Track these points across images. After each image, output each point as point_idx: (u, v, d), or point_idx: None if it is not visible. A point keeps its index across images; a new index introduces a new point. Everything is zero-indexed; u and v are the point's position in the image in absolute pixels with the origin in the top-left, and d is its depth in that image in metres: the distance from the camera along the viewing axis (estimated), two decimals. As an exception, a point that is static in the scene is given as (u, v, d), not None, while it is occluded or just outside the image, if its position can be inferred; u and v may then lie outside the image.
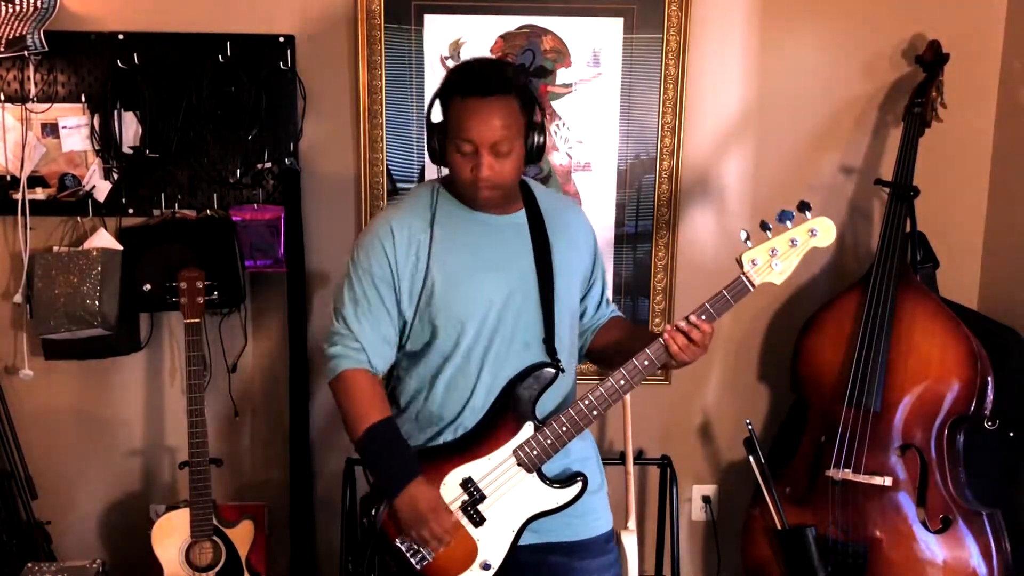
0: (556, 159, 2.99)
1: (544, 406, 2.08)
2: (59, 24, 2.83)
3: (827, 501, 2.70)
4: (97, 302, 2.83)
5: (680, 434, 3.19)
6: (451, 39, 2.90)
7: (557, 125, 2.96)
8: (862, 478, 2.65)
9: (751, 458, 2.75)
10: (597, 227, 2.98)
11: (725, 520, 3.20)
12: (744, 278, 1.98)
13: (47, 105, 2.88)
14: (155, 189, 2.94)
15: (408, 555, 2.05)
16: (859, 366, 2.67)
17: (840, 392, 2.70)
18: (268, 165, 2.93)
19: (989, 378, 2.62)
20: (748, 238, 1.98)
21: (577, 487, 2.08)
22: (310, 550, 3.07)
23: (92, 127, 2.90)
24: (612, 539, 2.23)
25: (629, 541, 2.81)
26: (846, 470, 2.67)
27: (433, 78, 2.91)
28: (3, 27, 2.78)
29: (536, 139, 2.03)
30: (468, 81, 1.96)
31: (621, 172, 3.00)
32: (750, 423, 2.76)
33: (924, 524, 2.63)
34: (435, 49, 2.90)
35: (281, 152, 2.94)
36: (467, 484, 2.05)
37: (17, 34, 2.79)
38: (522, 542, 2.08)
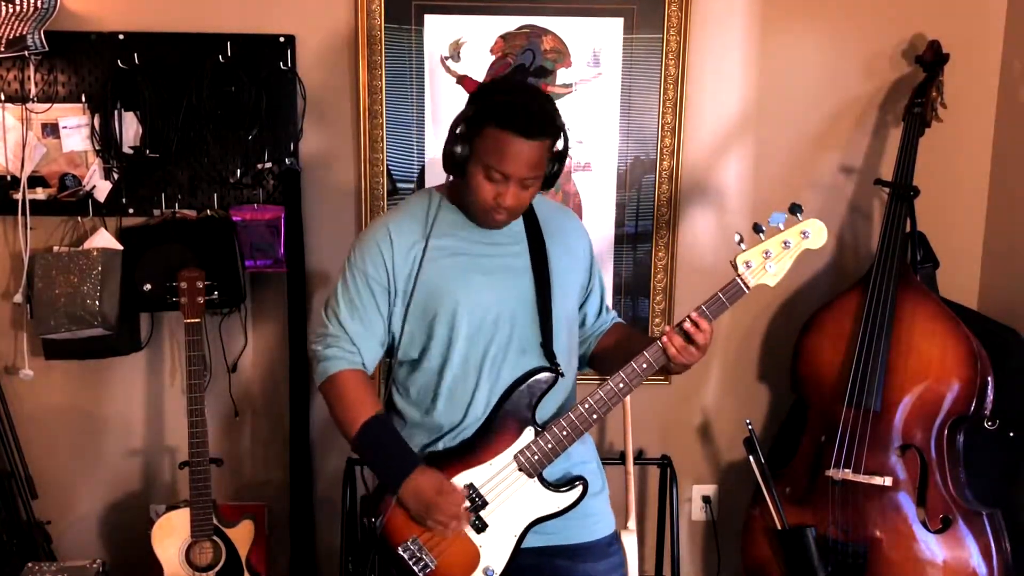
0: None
1: (544, 411, 2.08)
2: (59, 24, 2.83)
3: (827, 501, 2.70)
4: (97, 302, 2.83)
5: (680, 434, 3.19)
6: (451, 39, 2.90)
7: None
8: (862, 478, 2.65)
9: (751, 458, 2.75)
10: (597, 228, 3.01)
11: (725, 520, 3.20)
12: (739, 280, 1.99)
13: (47, 105, 2.89)
14: (155, 189, 2.94)
15: (411, 563, 2.05)
16: (859, 366, 2.67)
17: (840, 392, 2.70)
18: (268, 165, 2.93)
19: (989, 378, 2.62)
20: (741, 240, 2.01)
21: (578, 491, 2.09)
22: (310, 550, 3.07)
23: (92, 127, 2.90)
24: (616, 542, 2.23)
25: (629, 541, 2.81)
26: (846, 470, 2.67)
27: (433, 78, 2.91)
28: (3, 27, 2.78)
29: (556, 167, 2.06)
30: (516, 119, 1.93)
31: (621, 172, 3.00)
32: (750, 423, 2.76)
33: (924, 524, 2.63)
34: (435, 49, 2.91)
35: (281, 152, 2.94)
36: (469, 490, 2.05)
37: (17, 34, 2.79)
38: (525, 544, 2.08)
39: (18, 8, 2.74)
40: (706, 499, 3.23)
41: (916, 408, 2.64)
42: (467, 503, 2.04)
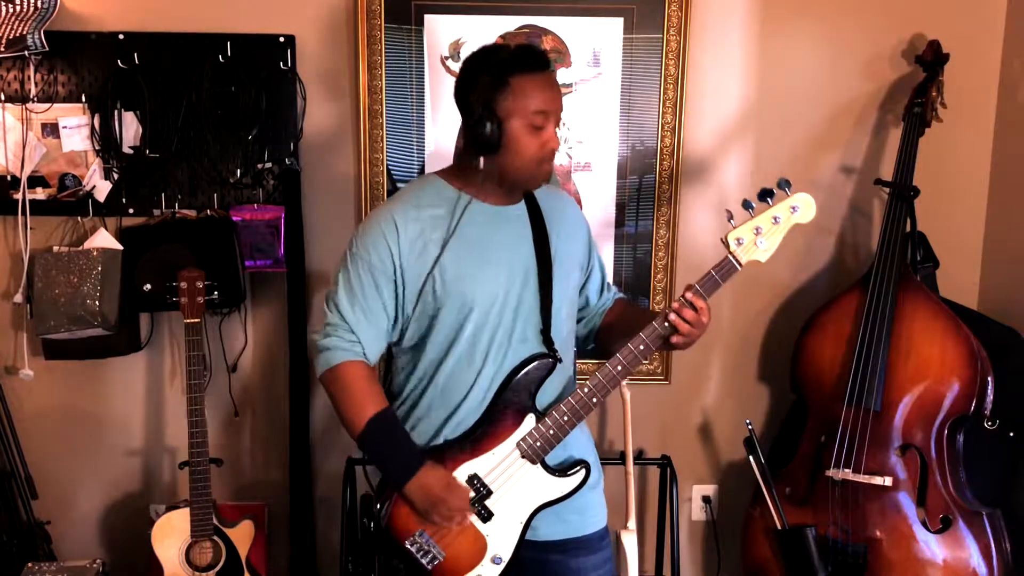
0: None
1: (544, 397, 2.09)
2: (59, 24, 2.83)
3: (827, 501, 2.70)
4: (97, 302, 2.83)
5: (680, 434, 3.19)
6: (451, 39, 2.90)
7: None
8: (862, 478, 2.65)
9: (751, 458, 2.75)
10: (597, 227, 3.01)
11: (725, 520, 3.20)
12: (731, 257, 2.01)
13: (47, 105, 2.89)
14: (155, 189, 2.94)
15: (419, 556, 2.05)
16: (859, 366, 2.67)
17: (840, 392, 2.70)
18: (268, 165, 2.93)
19: (989, 378, 2.62)
20: (731, 218, 2.03)
21: (581, 474, 2.10)
22: (310, 550, 3.07)
23: (92, 127, 2.90)
24: (607, 536, 2.24)
25: (629, 541, 2.81)
26: (846, 470, 2.67)
27: (433, 78, 2.91)
28: (3, 27, 2.78)
29: None
30: (531, 58, 1.99)
31: (621, 172, 3.00)
32: (750, 423, 2.76)
33: (924, 524, 2.63)
34: (435, 49, 2.91)
35: (281, 152, 2.94)
36: (473, 480, 2.05)
37: (17, 34, 2.79)
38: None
39: (18, 8, 2.75)
40: (706, 499, 3.23)
41: (916, 408, 2.64)
42: (472, 493, 2.05)
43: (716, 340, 3.11)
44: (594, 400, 2.03)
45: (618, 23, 2.90)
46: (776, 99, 2.98)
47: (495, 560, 2.07)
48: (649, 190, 3.00)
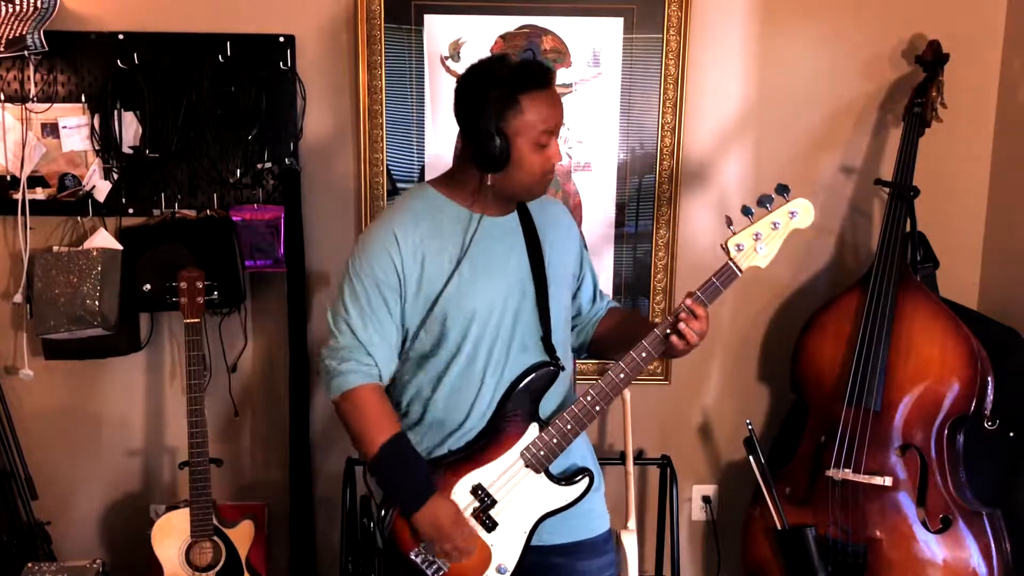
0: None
1: (546, 405, 2.09)
2: (59, 24, 2.83)
3: (827, 501, 2.70)
4: (97, 302, 2.83)
5: (680, 434, 3.19)
6: (451, 39, 2.90)
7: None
8: (862, 478, 2.65)
9: (751, 458, 2.75)
10: (597, 228, 3.01)
11: (725, 520, 3.20)
12: (731, 263, 2.01)
13: (47, 105, 2.89)
14: (155, 189, 2.94)
15: (423, 567, 2.05)
16: (859, 366, 2.67)
17: (840, 392, 2.70)
18: (268, 165, 2.93)
19: (989, 378, 2.62)
20: (731, 223, 2.02)
21: (585, 483, 2.10)
22: (310, 550, 3.07)
23: (92, 127, 2.90)
24: (611, 539, 2.24)
25: (629, 541, 2.81)
26: (846, 470, 2.67)
27: (433, 78, 2.91)
28: (3, 27, 2.78)
29: None
30: (536, 75, 1.98)
31: (621, 172, 3.00)
32: (750, 423, 2.76)
33: (924, 524, 2.63)
34: (435, 49, 2.90)
35: (281, 152, 2.94)
36: (477, 491, 2.05)
37: (17, 34, 2.79)
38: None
39: (18, 8, 2.75)
40: (706, 499, 3.22)
41: (916, 408, 2.64)
42: (479, 525, 2.05)
43: (716, 340, 3.11)
44: (597, 408, 2.03)
45: (618, 23, 2.90)
46: (776, 99, 2.98)
47: (500, 570, 2.07)
48: (649, 190, 3.00)
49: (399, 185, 2.97)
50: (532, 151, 1.98)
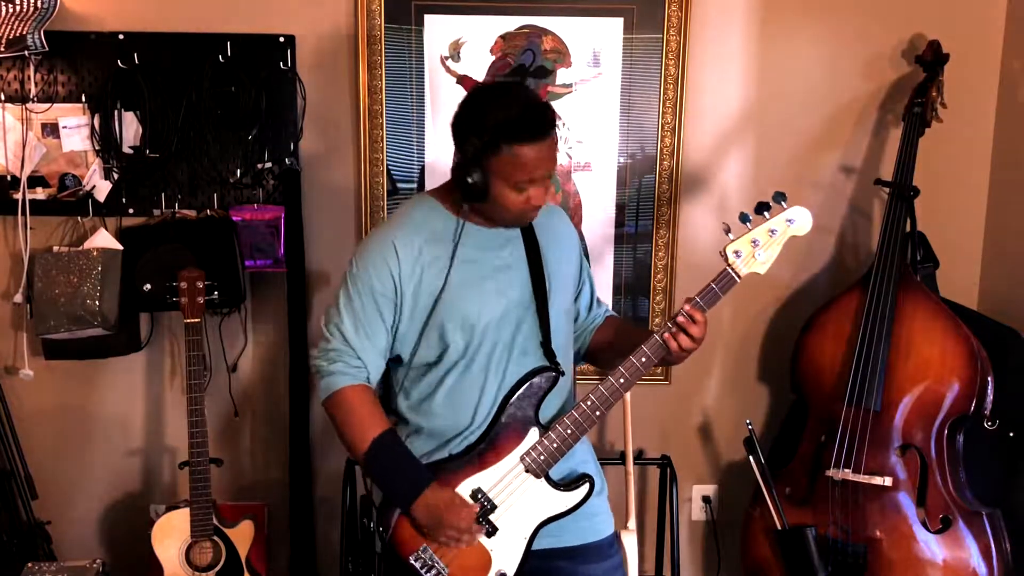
0: (556, 159, 2.98)
1: (545, 410, 2.09)
2: (59, 24, 2.83)
3: (827, 501, 2.70)
4: (97, 302, 2.83)
5: (680, 434, 3.19)
6: (451, 39, 2.90)
7: (557, 125, 2.95)
8: (862, 478, 2.65)
9: (751, 458, 2.75)
10: (597, 228, 3.01)
11: (725, 520, 3.20)
12: (730, 270, 2.02)
13: (47, 105, 2.89)
14: (155, 189, 2.94)
15: (422, 572, 2.05)
16: (859, 366, 2.67)
17: (840, 392, 2.70)
18: (268, 165, 2.93)
19: (989, 378, 2.61)
20: (729, 230, 2.03)
21: (585, 488, 2.09)
22: (310, 550, 3.07)
23: (92, 127, 2.90)
24: (615, 542, 2.23)
25: (629, 541, 2.81)
26: (846, 470, 2.66)
27: (433, 78, 2.91)
28: (3, 27, 2.78)
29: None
30: (527, 128, 1.93)
31: (621, 172, 3.00)
32: (750, 423, 2.76)
33: (924, 524, 2.63)
34: (435, 49, 2.90)
35: (281, 152, 2.94)
36: (477, 495, 2.05)
37: (17, 34, 2.79)
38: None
39: (18, 8, 2.75)
40: (706, 499, 3.22)
41: (916, 408, 2.64)
42: (477, 509, 2.04)
43: (716, 340, 3.11)
44: (597, 413, 2.03)
45: (618, 23, 2.90)
46: (776, 99, 2.98)
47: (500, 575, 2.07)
48: (649, 190, 3.00)
49: (399, 185, 2.97)
50: (511, 191, 1.97)
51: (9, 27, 2.78)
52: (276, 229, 2.94)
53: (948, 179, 2.99)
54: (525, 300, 2.08)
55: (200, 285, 2.79)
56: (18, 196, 2.90)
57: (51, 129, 2.91)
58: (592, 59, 2.93)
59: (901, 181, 2.76)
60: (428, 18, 2.89)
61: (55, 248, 2.95)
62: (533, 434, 2.05)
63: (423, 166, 2.97)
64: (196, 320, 2.80)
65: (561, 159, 2.98)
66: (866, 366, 2.66)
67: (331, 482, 3.07)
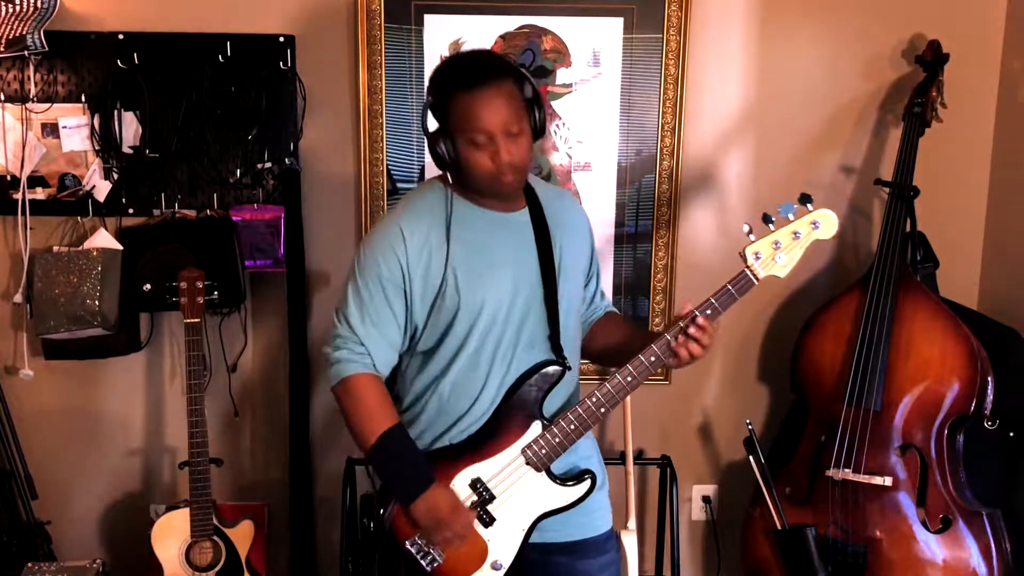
0: (556, 159, 2.99)
1: (550, 405, 2.08)
2: (59, 24, 2.83)
3: (827, 501, 2.70)
4: (97, 302, 2.83)
5: (680, 434, 3.19)
6: (451, 39, 2.90)
7: (557, 125, 2.96)
8: (862, 478, 2.65)
9: (751, 458, 2.75)
10: (597, 227, 2.98)
11: (725, 520, 3.20)
12: (748, 272, 1.97)
13: (47, 105, 2.89)
14: (155, 189, 2.94)
15: (418, 557, 2.05)
16: (859, 366, 2.67)
17: (840, 392, 2.70)
18: (268, 165, 2.93)
19: (989, 378, 2.62)
20: (751, 231, 1.98)
21: (586, 484, 2.09)
22: (310, 550, 3.07)
23: (92, 127, 2.90)
24: (612, 537, 2.23)
25: (629, 541, 2.81)
26: (846, 470, 2.67)
27: (433, 78, 2.91)
28: (3, 27, 2.78)
29: (538, 114, 2.03)
30: (466, 73, 1.95)
31: (621, 172, 3.00)
32: (750, 423, 2.76)
33: (924, 524, 2.63)
34: (435, 49, 2.90)
35: (281, 152, 2.94)
36: (476, 484, 2.05)
37: (17, 34, 2.79)
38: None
39: (18, 8, 2.75)
40: (706, 499, 3.22)
41: (916, 408, 2.64)
42: (476, 514, 2.04)
43: (716, 340, 3.10)
44: (602, 410, 2.02)
45: (618, 23, 2.90)
46: (776, 99, 2.98)
47: (495, 566, 2.06)
48: (649, 190, 3.00)
49: (399, 185, 2.97)
50: (473, 150, 1.96)
51: (9, 27, 2.78)
52: (276, 229, 2.94)
53: (948, 179, 2.99)
54: (534, 290, 2.07)
55: (200, 285, 2.79)
56: (18, 196, 2.90)
57: (51, 129, 2.91)
58: (592, 59, 2.93)
59: (901, 181, 2.76)
60: (428, 18, 2.89)
61: (55, 248, 2.95)
62: (536, 427, 2.05)
63: (423, 166, 2.97)
64: (196, 320, 2.80)
65: (561, 159, 2.98)
66: (866, 366, 2.66)
67: (331, 482, 3.07)
